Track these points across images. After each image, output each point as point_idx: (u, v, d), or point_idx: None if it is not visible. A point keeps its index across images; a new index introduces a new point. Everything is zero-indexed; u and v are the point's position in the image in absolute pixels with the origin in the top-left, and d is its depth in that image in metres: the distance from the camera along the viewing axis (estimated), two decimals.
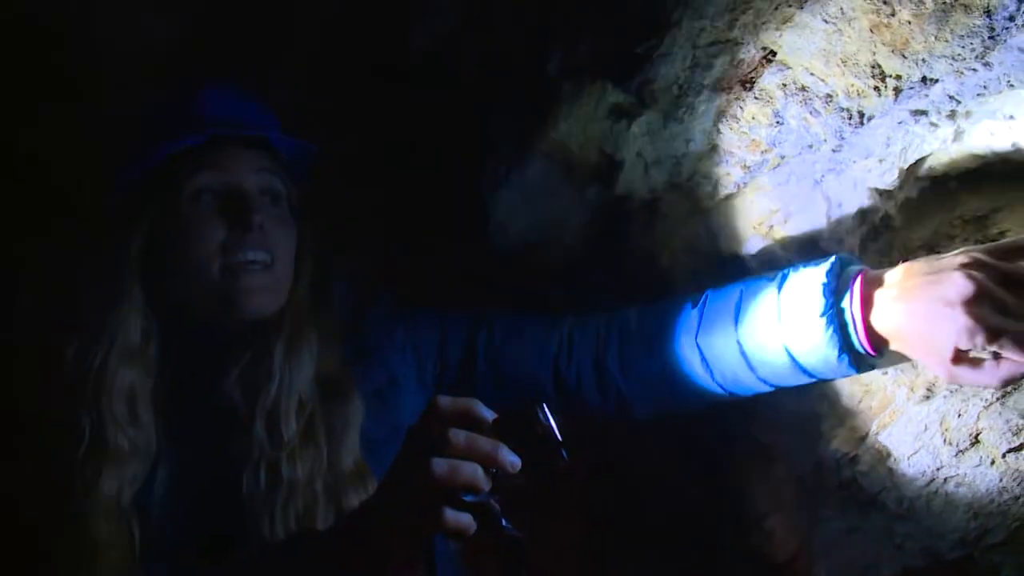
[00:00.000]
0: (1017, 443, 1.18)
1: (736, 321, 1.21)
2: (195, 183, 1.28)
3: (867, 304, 1.09)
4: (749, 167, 1.33)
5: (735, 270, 1.45)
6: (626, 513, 1.71)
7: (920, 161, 1.33)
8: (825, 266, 1.14)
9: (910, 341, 1.05)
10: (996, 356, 0.98)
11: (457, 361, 1.42)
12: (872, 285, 1.09)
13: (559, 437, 0.97)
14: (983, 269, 0.99)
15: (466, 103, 1.49)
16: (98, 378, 1.22)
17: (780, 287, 1.18)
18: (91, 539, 1.15)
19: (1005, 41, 1.05)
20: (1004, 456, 1.19)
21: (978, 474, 1.21)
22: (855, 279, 1.11)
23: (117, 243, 1.29)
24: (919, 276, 1.04)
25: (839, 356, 1.11)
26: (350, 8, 1.51)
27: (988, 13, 1.03)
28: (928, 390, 1.26)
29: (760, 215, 1.40)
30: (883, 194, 1.36)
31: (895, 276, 1.07)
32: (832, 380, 1.23)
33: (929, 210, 1.42)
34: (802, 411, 1.43)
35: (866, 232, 1.40)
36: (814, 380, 1.19)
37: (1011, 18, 1.02)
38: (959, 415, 1.22)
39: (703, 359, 1.26)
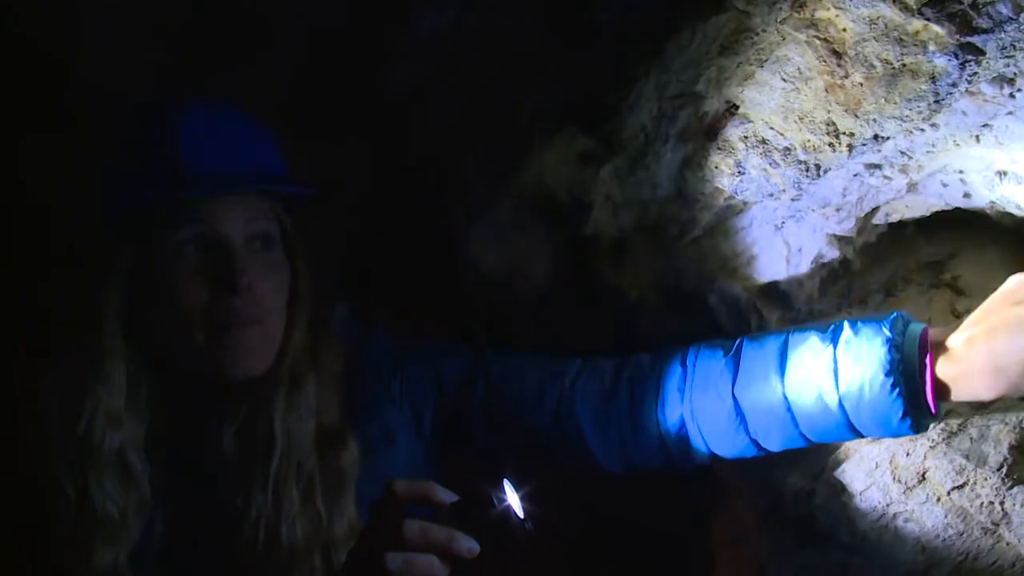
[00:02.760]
0: (961, 481, 1.23)
1: (782, 377, 1.17)
2: (176, 236, 1.17)
3: (933, 358, 1.07)
4: (713, 212, 1.39)
5: (701, 309, 1.51)
6: (588, 542, 1.75)
7: (876, 209, 1.40)
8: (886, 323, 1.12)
9: (994, 364, 1.02)
10: None
11: (452, 406, 1.35)
12: (938, 340, 1.09)
13: (520, 515, 0.99)
14: None
15: (440, 145, 1.54)
16: (82, 445, 1.15)
17: (835, 341, 1.14)
18: None
19: (950, 105, 1.11)
20: (949, 494, 1.24)
21: (925, 510, 1.27)
22: (921, 333, 1.10)
23: (93, 295, 1.18)
24: (995, 313, 1.04)
25: (903, 416, 1.08)
26: (324, 50, 1.55)
27: (933, 79, 1.09)
28: None
29: (724, 258, 1.46)
30: (841, 240, 1.42)
31: (966, 323, 1.07)
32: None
33: (886, 255, 1.49)
34: None
35: (826, 275, 1.47)
36: (860, 437, 1.18)
37: (954, 84, 1.08)
38: (907, 454, 1.27)
39: (738, 411, 1.21)
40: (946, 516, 1.26)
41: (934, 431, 1.25)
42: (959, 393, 1.07)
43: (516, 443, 1.32)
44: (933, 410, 1.08)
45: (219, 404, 1.22)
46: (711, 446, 1.26)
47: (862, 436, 1.17)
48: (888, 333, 1.09)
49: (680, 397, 1.25)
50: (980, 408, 1.25)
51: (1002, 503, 1.21)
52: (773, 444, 1.22)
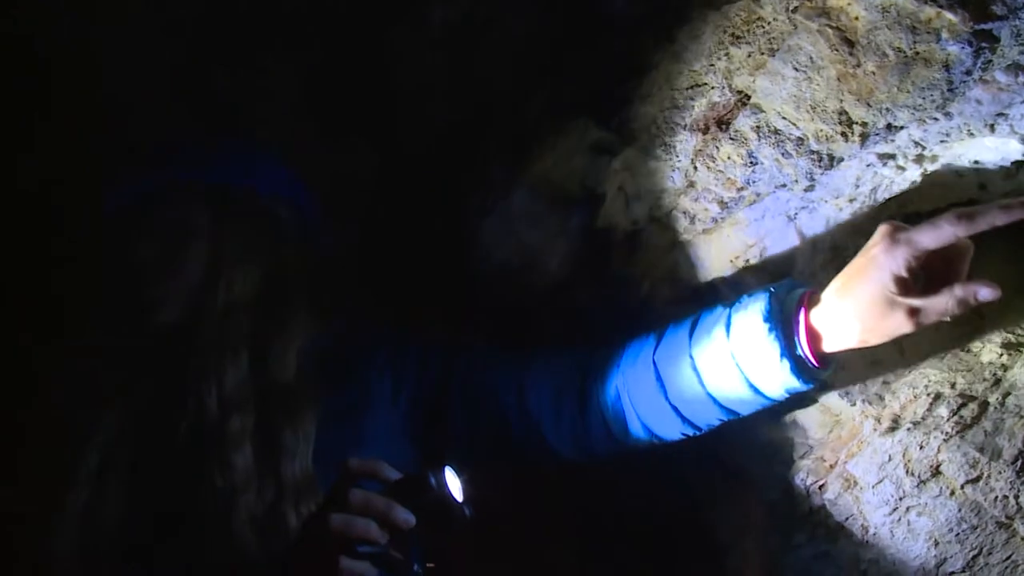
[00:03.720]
0: (974, 475, 1.22)
1: (690, 339, 1.32)
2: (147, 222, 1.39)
3: (808, 310, 1.22)
4: (726, 203, 1.38)
5: (713, 301, 1.50)
6: (599, 537, 1.75)
7: (890, 200, 1.38)
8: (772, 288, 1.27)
9: (853, 309, 1.16)
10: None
11: (432, 389, 1.47)
12: (817, 295, 1.23)
13: (456, 498, 1.12)
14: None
15: (452, 137, 1.54)
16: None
17: (733, 305, 1.30)
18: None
19: (964, 93, 1.10)
20: (962, 487, 1.23)
21: (938, 504, 1.26)
22: (801, 295, 1.24)
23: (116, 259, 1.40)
24: (856, 261, 1.18)
25: (780, 357, 1.20)
26: (336, 43, 1.55)
27: (947, 67, 1.08)
28: (894, 422, 1.31)
29: (737, 249, 1.45)
30: (855, 231, 1.41)
31: (839, 275, 1.21)
32: (784, 397, 1.28)
33: None
34: (774, 439, 1.48)
35: (839, 266, 1.45)
36: (761, 397, 1.27)
37: (968, 72, 1.07)
38: (921, 447, 1.26)
39: (658, 376, 1.34)
40: (960, 510, 1.25)
41: (947, 424, 1.24)
42: (830, 341, 1.20)
43: (485, 424, 1.45)
44: (812, 356, 1.21)
45: (162, 357, 1.34)
46: (644, 419, 1.37)
47: (764, 398, 1.27)
48: (772, 290, 1.25)
49: (617, 371, 1.40)
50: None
51: (1017, 497, 1.20)
52: (692, 411, 1.33)
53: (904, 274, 1.11)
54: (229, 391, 1.33)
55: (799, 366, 1.21)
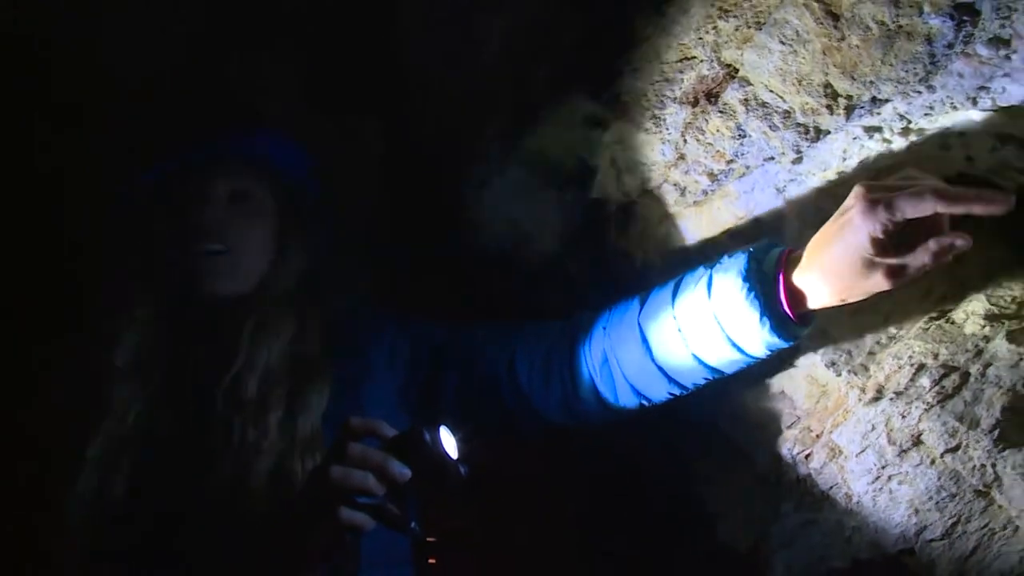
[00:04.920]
0: (954, 444, 1.24)
1: (673, 301, 1.34)
2: (175, 200, 1.49)
3: (787, 269, 1.23)
4: (715, 176, 1.40)
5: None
6: (593, 506, 1.78)
7: (879, 173, 1.39)
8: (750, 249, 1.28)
9: (832, 268, 1.16)
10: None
11: (428, 362, 1.54)
12: (795, 255, 1.24)
13: (449, 457, 1.17)
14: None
15: (454, 114, 1.56)
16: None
17: (714, 266, 1.31)
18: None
19: (946, 67, 1.11)
20: (942, 456, 1.25)
21: (919, 473, 1.28)
22: (780, 254, 1.26)
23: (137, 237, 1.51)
24: (830, 222, 1.18)
25: (760, 316, 1.22)
26: (342, 23, 1.57)
27: (929, 41, 1.09)
28: (877, 392, 1.33)
29: (727, 221, 1.47)
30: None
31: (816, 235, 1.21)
32: (767, 354, 1.30)
33: None
34: (764, 409, 1.50)
35: None
36: (744, 356, 1.29)
37: (950, 46, 1.08)
38: (903, 417, 1.28)
39: (643, 338, 1.36)
40: (939, 478, 1.27)
41: (929, 394, 1.26)
42: (811, 299, 1.21)
43: (476, 395, 1.51)
44: (791, 314, 1.22)
45: (208, 330, 1.46)
46: (631, 381, 1.39)
47: (748, 356, 1.28)
48: (751, 250, 1.27)
49: (603, 334, 1.43)
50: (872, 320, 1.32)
51: (994, 466, 1.22)
52: (678, 372, 1.34)
53: (881, 236, 1.12)
54: (272, 362, 1.43)
55: (779, 324, 1.23)
